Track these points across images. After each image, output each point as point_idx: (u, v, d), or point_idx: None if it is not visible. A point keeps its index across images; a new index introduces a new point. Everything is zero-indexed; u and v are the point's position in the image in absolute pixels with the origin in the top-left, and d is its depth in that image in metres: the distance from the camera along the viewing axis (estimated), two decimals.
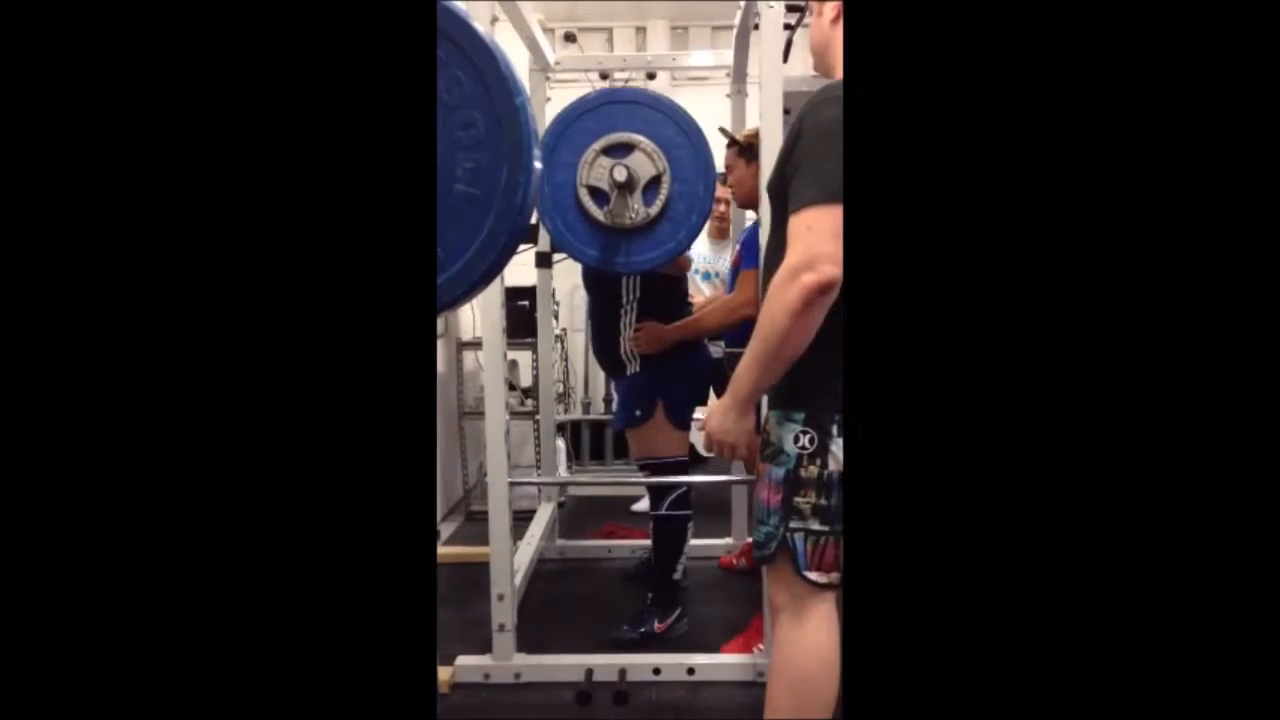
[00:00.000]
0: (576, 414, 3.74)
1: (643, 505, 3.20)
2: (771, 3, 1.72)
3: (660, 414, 2.06)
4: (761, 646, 2.06)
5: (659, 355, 2.05)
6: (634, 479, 3.37)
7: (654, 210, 1.75)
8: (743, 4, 2.19)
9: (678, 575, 2.14)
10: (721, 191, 2.61)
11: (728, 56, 2.51)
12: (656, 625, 2.10)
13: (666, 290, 2.09)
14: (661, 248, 1.78)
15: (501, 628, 1.90)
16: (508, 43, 1.76)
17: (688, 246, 1.81)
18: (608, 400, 3.85)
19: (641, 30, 3.87)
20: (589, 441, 3.63)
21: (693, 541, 2.68)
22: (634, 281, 2.06)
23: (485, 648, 1.93)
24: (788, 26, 1.76)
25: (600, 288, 2.12)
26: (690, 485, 2.10)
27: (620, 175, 1.69)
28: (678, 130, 1.75)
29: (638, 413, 2.07)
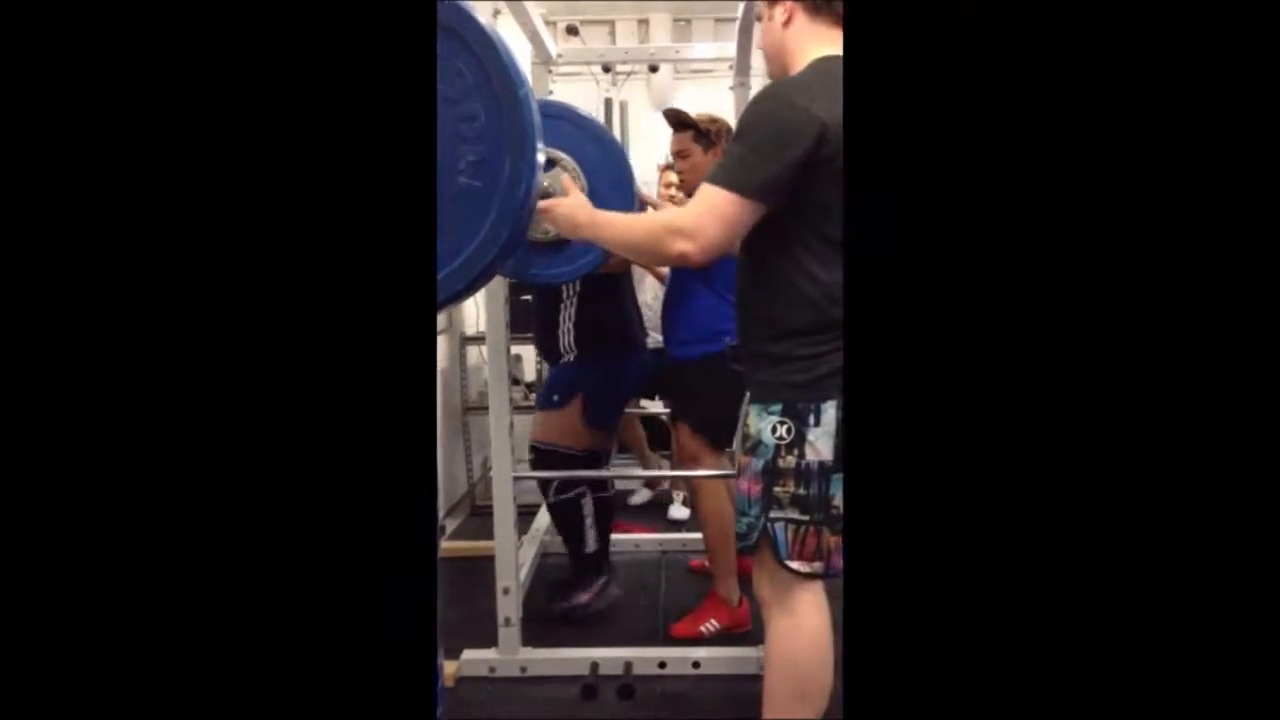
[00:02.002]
0: None
1: (640, 498, 3.17)
2: None
3: (576, 406, 2.10)
4: (714, 623, 2.07)
5: (595, 351, 2.10)
6: (638, 473, 3.38)
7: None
8: None
9: (592, 547, 2.19)
10: (668, 178, 2.63)
11: (731, 49, 2.50)
12: (583, 597, 2.19)
13: (606, 284, 2.11)
14: (576, 263, 1.76)
15: (507, 622, 1.91)
16: (509, 36, 1.75)
17: (603, 262, 1.80)
18: None
19: (644, 22, 3.86)
20: None
21: (694, 535, 2.68)
22: None
23: (491, 642, 1.94)
24: None
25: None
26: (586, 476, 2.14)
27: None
28: (599, 148, 1.72)
29: (555, 398, 2.12)
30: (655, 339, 2.39)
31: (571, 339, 2.11)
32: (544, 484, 2.16)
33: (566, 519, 2.18)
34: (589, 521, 2.17)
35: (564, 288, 2.10)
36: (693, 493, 2.20)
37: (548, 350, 2.19)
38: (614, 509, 2.38)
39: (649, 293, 2.75)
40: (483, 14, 1.63)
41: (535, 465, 2.16)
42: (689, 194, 2.28)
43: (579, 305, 2.11)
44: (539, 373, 2.98)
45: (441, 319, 3.16)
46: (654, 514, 3.09)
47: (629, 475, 3.22)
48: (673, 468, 3.02)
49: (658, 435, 3.54)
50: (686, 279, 2.09)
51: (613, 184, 1.72)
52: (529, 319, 2.93)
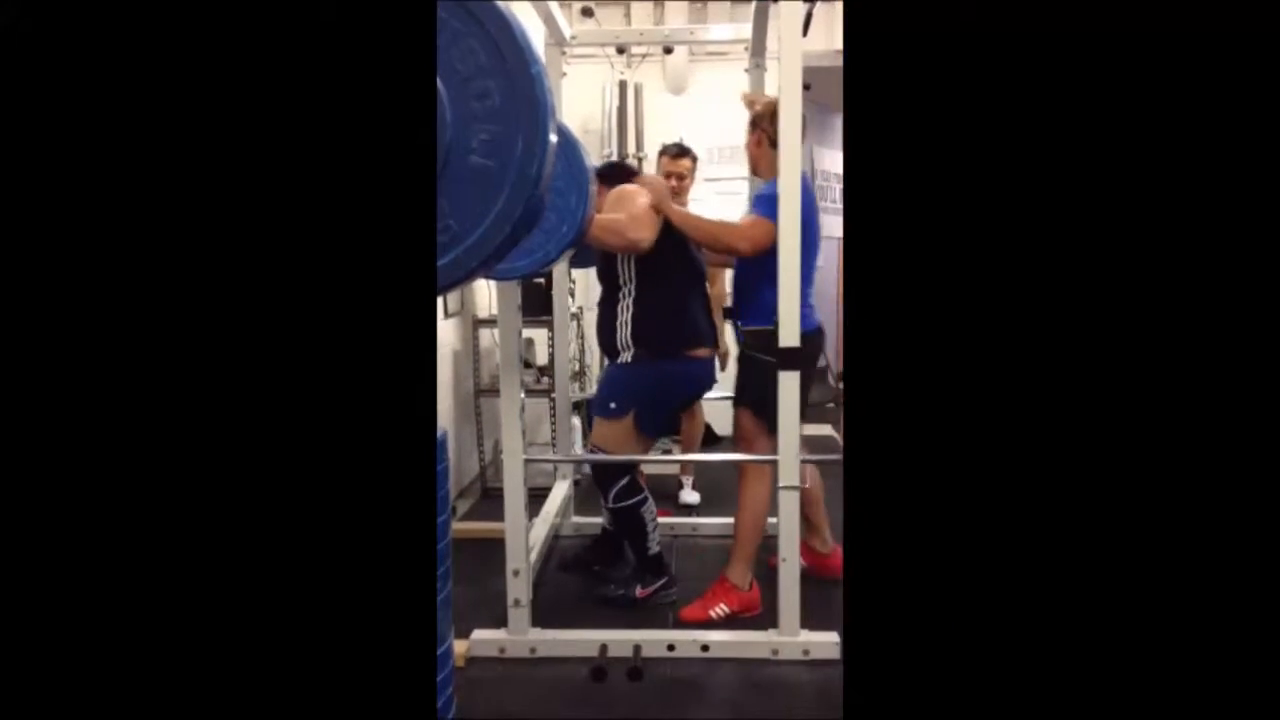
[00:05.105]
0: (591, 392, 3.74)
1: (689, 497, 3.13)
2: None
3: (630, 419, 2.11)
4: (723, 607, 2.08)
5: (652, 351, 2.08)
6: (650, 458, 3.37)
7: None
8: None
9: (654, 550, 2.20)
10: (675, 165, 2.56)
11: (746, 30, 2.47)
12: (638, 590, 2.19)
13: (667, 276, 2.08)
14: (531, 256, 1.72)
15: (517, 603, 1.92)
16: (524, 16, 1.73)
17: (559, 257, 1.78)
18: None
19: (660, 4, 3.82)
20: None
21: (705, 520, 2.70)
22: (629, 260, 2.08)
23: (501, 622, 1.95)
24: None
25: (603, 268, 2.16)
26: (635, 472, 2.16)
27: None
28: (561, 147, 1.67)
29: (612, 405, 2.12)
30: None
31: (629, 333, 2.09)
32: (601, 485, 2.16)
33: (629, 524, 2.18)
34: (650, 526, 2.17)
35: (619, 274, 2.09)
36: (740, 476, 2.19)
37: (607, 344, 2.17)
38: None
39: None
40: None
41: (595, 466, 2.17)
42: (752, 171, 2.26)
43: (636, 298, 2.09)
44: (551, 356, 2.98)
45: (454, 301, 3.16)
46: (664, 498, 3.09)
47: (655, 460, 3.20)
48: (683, 451, 3.02)
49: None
50: (751, 274, 2.09)
51: (566, 173, 1.67)
52: (541, 302, 2.94)
